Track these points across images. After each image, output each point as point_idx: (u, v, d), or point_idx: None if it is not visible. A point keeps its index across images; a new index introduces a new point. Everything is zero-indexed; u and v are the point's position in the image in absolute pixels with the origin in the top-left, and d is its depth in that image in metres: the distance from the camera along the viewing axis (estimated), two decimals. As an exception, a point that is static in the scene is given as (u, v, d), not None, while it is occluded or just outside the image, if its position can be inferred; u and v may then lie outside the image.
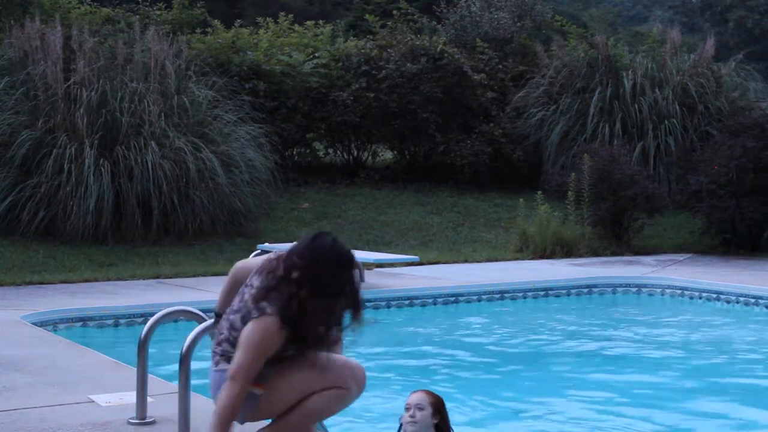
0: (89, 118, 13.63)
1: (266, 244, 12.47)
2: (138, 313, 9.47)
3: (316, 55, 18.36)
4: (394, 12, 22.22)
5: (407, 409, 4.82)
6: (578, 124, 17.67)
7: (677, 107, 17.32)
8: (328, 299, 4.13)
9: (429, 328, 10.29)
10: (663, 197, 15.05)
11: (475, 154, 18.12)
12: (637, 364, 8.61)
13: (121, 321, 9.61)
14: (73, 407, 5.49)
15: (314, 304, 4.08)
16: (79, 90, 13.81)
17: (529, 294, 11.71)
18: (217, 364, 4.22)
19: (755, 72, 19.52)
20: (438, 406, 4.86)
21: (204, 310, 5.20)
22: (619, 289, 12.17)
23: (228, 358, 4.17)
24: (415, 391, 4.91)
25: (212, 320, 4.59)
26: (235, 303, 4.24)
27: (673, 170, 16.51)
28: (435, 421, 4.83)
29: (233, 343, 4.14)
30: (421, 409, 4.80)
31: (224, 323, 4.25)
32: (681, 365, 8.61)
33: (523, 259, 14.14)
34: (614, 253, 14.58)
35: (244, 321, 4.12)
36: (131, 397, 5.15)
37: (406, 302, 11.07)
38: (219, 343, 4.25)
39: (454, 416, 6.85)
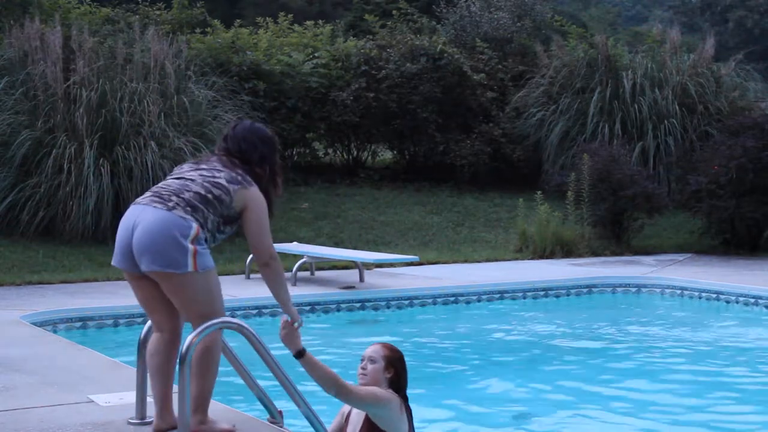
0: (89, 118, 13.63)
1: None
2: (138, 313, 9.42)
3: (316, 55, 18.36)
4: (394, 12, 22.26)
5: (361, 360, 4.78)
6: (578, 124, 17.66)
7: (677, 107, 17.31)
8: (277, 168, 4.80)
9: (429, 328, 10.29)
10: (663, 197, 15.05)
11: (475, 154, 18.12)
12: (637, 364, 8.61)
13: (121, 321, 9.61)
14: (73, 407, 5.49)
15: (275, 175, 4.77)
16: (79, 90, 13.81)
17: (529, 294, 11.71)
18: (173, 209, 4.47)
19: (755, 72, 19.52)
20: (392, 361, 4.77)
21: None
22: (619, 289, 12.17)
23: (194, 208, 4.46)
24: (373, 344, 4.86)
25: (213, 321, 4.58)
26: (189, 174, 4.61)
27: (673, 170, 16.50)
28: (388, 375, 4.74)
29: (218, 198, 4.51)
30: (373, 361, 4.75)
31: (183, 181, 4.57)
32: (681, 365, 8.61)
33: (522, 259, 14.14)
34: (614, 253, 14.58)
35: (231, 182, 4.56)
36: (131, 397, 5.15)
37: (406, 302, 11.07)
38: (180, 193, 4.51)
39: (454, 415, 6.86)
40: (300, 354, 4.56)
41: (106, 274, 11.64)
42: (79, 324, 9.46)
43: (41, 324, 8.84)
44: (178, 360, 4.47)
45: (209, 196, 4.53)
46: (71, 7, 17.85)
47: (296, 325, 4.63)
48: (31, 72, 14.05)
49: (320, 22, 20.30)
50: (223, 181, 4.56)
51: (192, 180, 4.59)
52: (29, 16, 15.21)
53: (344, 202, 16.85)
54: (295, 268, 11.37)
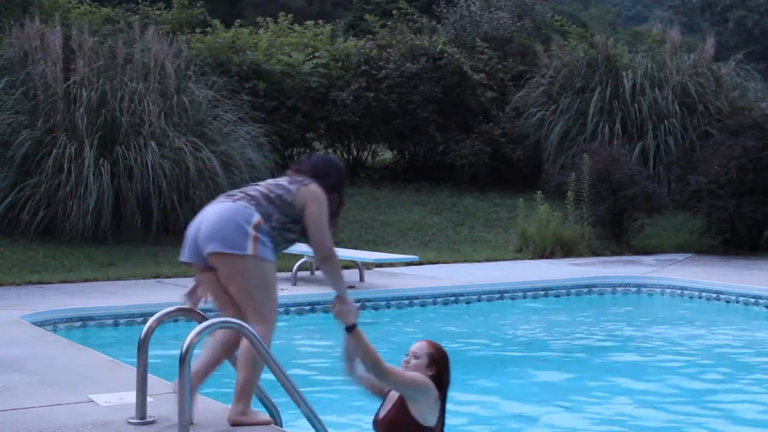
0: (89, 117, 13.62)
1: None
2: (138, 313, 9.46)
3: (316, 55, 18.36)
4: (394, 12, 22.26)
5: (406, 354, 4.90)
6: (578, 124, 17.67)
7: (677, 107, 17.31)
8: (342, 193, 5.19)
9: (428, 328, 10.29)
10: (663, 197, 15.05)
11: (475, 154, 18.12)
12: (637, 364, 8.61)
13: (121, 321, 9.61)
14: (73, 407, 5.49)
15: (341, 204, 5.18)
16: (79, 90, 13.80)
17: (529, 294, 11.71)
18: (237, 201, 4.89)
19: (755, 72, 19.52)
20: (435, 359, 4.87)
21: (204, 310, 5.20)
22: (619, 289, 12.17)
23: (257, 202, 4.86)
24: (419, 340, 5.00)
25: (213, 320, 4.58)
26: (256, 183, 5.11)
27: (672, 170, 16.51)
28: (430, 373, 4.83)
29: (280, 197, 4.90)
30: (417, 357, 4.86)
31: (257, 188, 5.01)
32: (681, 365, 8.61)
33: (522, 259, 14.14)
34: (614, 253, 14.58)
35: (292, 183, 4.96)
36: (131, 397, 5.15)
37: (406, 302, 11.07)
38: (246, 190, 4.98)
39: (454, 415, 6.86)
40: (351, 328, 4.76)
41: (106, 274, 11.65)
42: (79, 324, 9.46)
43: (41, 324, 8.84)
44: (235, 352, 4.88)
45: (272, 195, 4.93)
46: (71, 7, 17.84)
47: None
48: (31, 72, 14.05)
49: (320, 22, 20.30)
50: (284, 182, 5.01)
51: (257, 184, 5.09)
52: (29, 16, 15.20)
53: (344, 202, 16.84)
54: (295, 268, 11.38)
